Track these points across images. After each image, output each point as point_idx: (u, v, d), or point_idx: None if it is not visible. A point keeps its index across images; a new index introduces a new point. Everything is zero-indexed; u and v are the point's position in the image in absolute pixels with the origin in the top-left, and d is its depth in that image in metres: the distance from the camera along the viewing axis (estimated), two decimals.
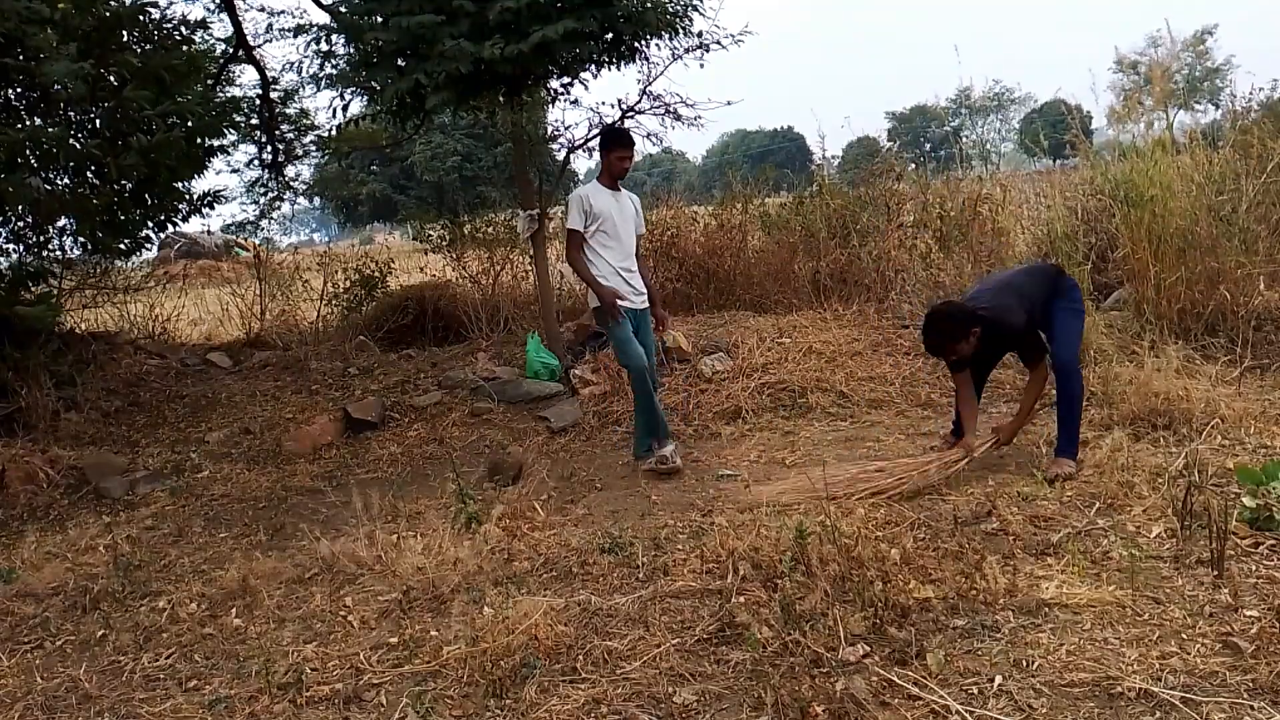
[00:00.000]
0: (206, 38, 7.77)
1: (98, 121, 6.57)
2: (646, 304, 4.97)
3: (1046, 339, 4.17)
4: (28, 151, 5.83)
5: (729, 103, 7.68)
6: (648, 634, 2.92)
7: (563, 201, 9.81)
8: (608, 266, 4.81)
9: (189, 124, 6.79)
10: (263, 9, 8.73)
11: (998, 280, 4.35)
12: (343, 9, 6.80)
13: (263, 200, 9.47)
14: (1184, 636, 2.56)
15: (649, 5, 6.12)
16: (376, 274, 9.51)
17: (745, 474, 4.58)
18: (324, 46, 6.82)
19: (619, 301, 4.74)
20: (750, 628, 2.79)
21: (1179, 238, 5.63)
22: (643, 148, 8.23)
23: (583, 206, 4.79)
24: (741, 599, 3.04)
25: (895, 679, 2.46)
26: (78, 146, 6.27)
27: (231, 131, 8.14)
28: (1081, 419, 4.16)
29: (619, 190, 4.94)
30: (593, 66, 6.54)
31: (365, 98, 6.96)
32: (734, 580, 3.18)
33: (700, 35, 6.69)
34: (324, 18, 7.07)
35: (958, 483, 4.03)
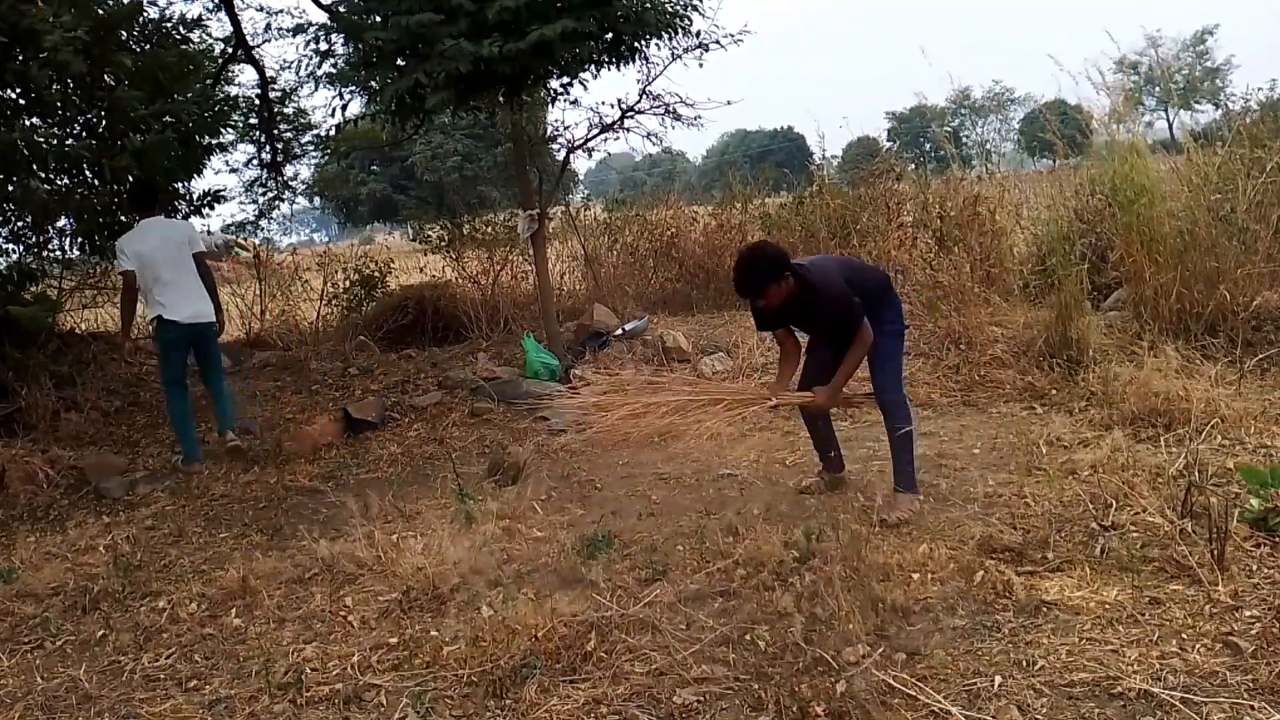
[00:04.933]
0: (205, 37, 7.76)
1: (91, 120, 6.56)
2: (211, 318, 5.56)
3: (870, 368, 3.89)
4: (21, 154, 5.81)
5: (729, 102, 7.68)
6: (648, 634, 2.91)
7: (562, 201, 9.85)
8: (165, 288, 5.39)
9: (187, 124, 6.78)
10: (261, 8, 8.73)
11: (829, 257, 4.14)
12: (342, 8, 6.79)
13: (262, 200, 9.44)
14: (1184, 637, 2.56)
15: (648, 5, 6.12)
16: (376, 274, 9.50)
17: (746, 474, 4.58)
18: (323, 46, 6.82)
19: (171, 318, 5.39)
20: (751, 628, 2.79)
21: (1176, 238, 5.63)
22: (642, 147, 8.24)
23: (123, 250, 5.45)
24: (742, 599, 3.04)
25: (895, 679, 2.46)
26: (71, 145, 6.26)
27: (230, 131, 8.14)
28: (914, 451, 3.85)
29: (164, 218, 5.80)
30: (592, 66, 6.54)
31: (365, 97, 6.97)
32: (735, 580, 3.18)
33: (699, 35, 6.69)
34: (323, 17, 7.05)
35: (958, 482, 4.04)
